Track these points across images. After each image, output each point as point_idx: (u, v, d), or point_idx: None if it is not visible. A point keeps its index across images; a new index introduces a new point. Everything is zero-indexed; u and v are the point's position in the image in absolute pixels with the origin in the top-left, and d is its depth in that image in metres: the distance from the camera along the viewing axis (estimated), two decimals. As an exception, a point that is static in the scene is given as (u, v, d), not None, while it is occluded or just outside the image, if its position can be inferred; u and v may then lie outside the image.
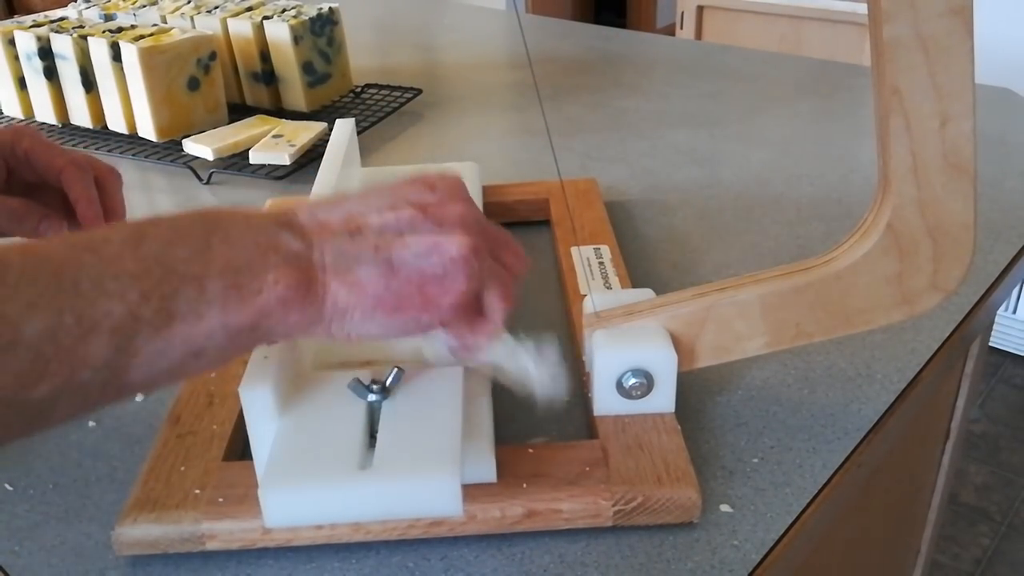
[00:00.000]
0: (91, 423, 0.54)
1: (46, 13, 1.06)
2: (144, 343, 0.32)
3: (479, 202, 0.71)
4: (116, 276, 0.31)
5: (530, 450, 0.47)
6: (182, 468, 0.47)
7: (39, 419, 0.31)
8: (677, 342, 0.50)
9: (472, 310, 0.41)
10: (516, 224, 0.75)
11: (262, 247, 0.35)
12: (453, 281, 0.38)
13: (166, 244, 0.33)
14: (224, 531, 0.44)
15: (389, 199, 0.39)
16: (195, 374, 0.36)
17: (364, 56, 1.24)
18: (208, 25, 1.01)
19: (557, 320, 0.63)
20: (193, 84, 0.94)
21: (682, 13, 2.33)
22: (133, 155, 0.93)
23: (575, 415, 0.53)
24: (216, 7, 1.04)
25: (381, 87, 1.09)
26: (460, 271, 0.38)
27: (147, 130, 0.93)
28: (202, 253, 0.34)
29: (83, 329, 0.30)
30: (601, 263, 0.64)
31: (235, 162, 0.89)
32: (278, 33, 0.98)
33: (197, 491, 0.45)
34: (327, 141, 0.69)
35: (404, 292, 0.37)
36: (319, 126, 0.92)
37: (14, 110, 1.03)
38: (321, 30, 1.01)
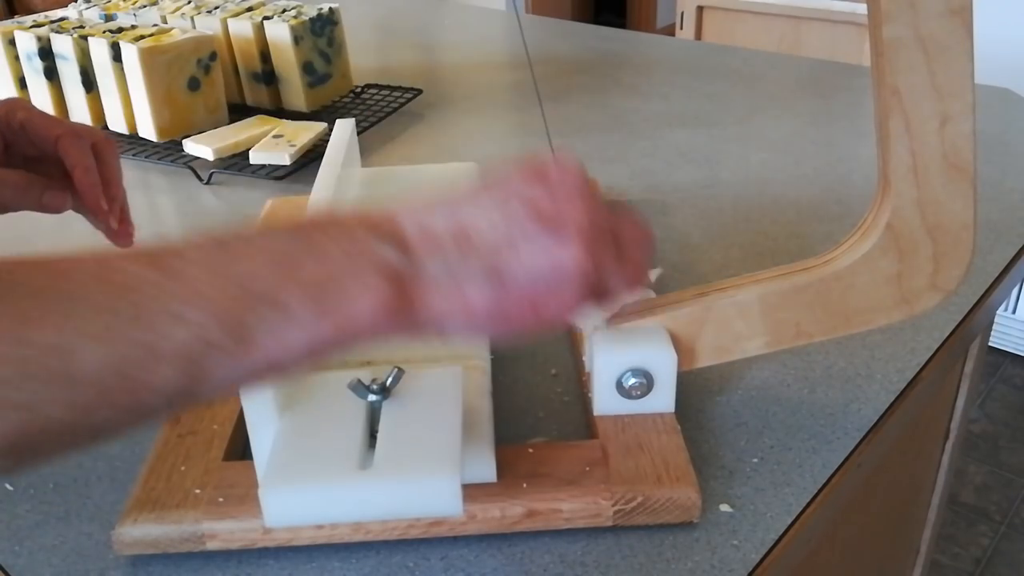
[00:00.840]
0: (91, 423, 0.54)
1: (46, 13, 1.06)
2: (216, 366, 0.30)
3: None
4: (186, 299, 0.29)
5: (530, 450, 0.47)
6: (182, 468, 0.47)
7: (100, 438, 0.30)
8: (677, 342, 0.50)
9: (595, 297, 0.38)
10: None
11: (355, 260, 0.33)
12: (566, 296, 0.35)
13: (246, 259, 0.31)
14: (224, 531, 0.44)
15: (500, 197, 0.36)
16: (274, 383, 0.34)
17: (364, 56, 1.24)
18: (208, 25, 1.01)
19: (557, 320, 0.62)
20: (193, 84, 0.94)
21: (682, 13, 2.33)
22: (133, 155, 0.93)
23: (575, 415, 0.53)
24: (216, 7, 1.04)
25: (381, 87, 1.09)
26: (574, 287, 0.35)
27: (147, 130, 0.93)
28: (286, 269, 0.31)
29: (149, 359, 0.28)
30: (601, 263, 0.64)
31: (235, 162, 0.89)
32: (278, 33, 0.98)
33: (197, 491, 0.45)
34: (327, 141, 0.69)
35: (513, 308, 0.35)
36: (319, 126, 0.92)
37: (14, 110, 1.03)
38: (321, 30, 1.01)
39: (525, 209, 0.35)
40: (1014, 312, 1.98)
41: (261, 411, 0.43)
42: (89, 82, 0.96)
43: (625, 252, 0.38)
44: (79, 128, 0.53)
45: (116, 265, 0.30)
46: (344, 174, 0.66)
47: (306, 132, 0.91)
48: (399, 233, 0.34)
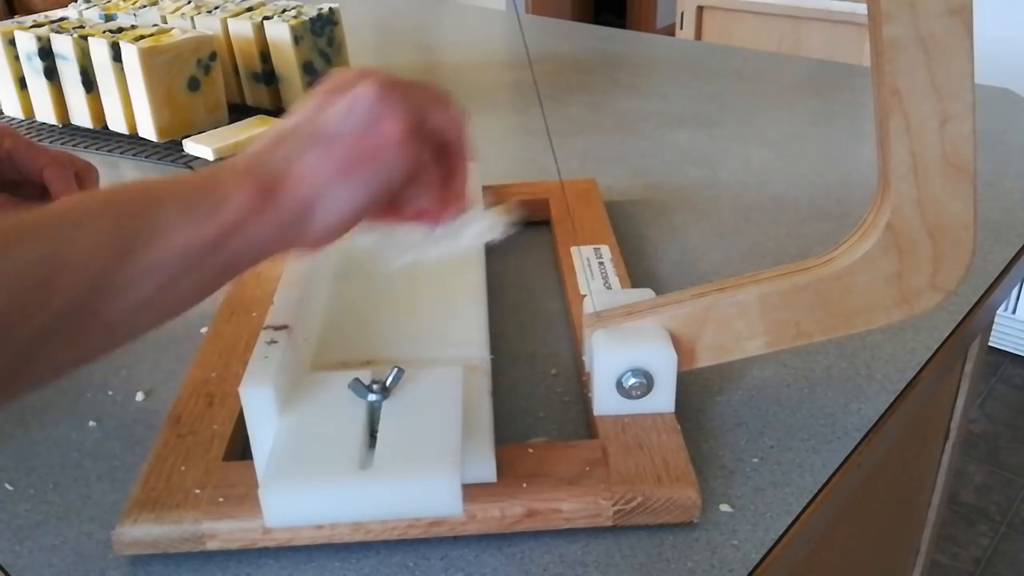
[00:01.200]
0: (91, 423, 0.54)
1: (46, 13, 1.06)
2: (107, 279, 0.33)
3: (479, 202, 0.71)
4: (75, 224, 0.33)
5: (530, 450, 0.47)
6: (182, 468, 0.47)
7: (32, 364, 0.32)
8: (677, 342, 0.50)
9: (432, 155, 0.41)
10: (516, 224, 0.75)
11: (208, 176, 0.37)
12: (385, 122, 0.39)
13: (111, 195, 0.35)
14: (224, 531, 0.44)
15: (308, 112, 0.40)
16: (174, 312, 0.36)
17: (364, 56, 1.24)
18: (208, 25, 1.01)
19: (557, 320, 0.63)
20: (193, 84, 0.94)
21: (682, 13, 2.33)
22: (133, 155, 0.93)
23: (575, 415, 0.53)
24: (216, 7, 1.04)
25: (381, 87, 1.09)
26: (385, 111, 0.39)
27: (147, 130, 0.93)
28: (150, 191, 0.35)
29: (53, 271, 0.32)
30: (601, 263, 0.65)
31: (235, 162, 0.89)
32: (278, 33, 0.98)
33: (197, 491, 0.45)
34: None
35: (350, 154, 0.38)
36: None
37: (14, 110, 1.03)
38: (321, 30, 1.01)
39: (328, 94, 0.40)
40: (1014, 312, 1.98)
41: (261, 411, 0.43)
42: (89, 82, 0.96)
43: (428, 114, 0.41)
44: (62, 157, 0.56)
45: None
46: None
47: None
48: (229, 162, 0.38)
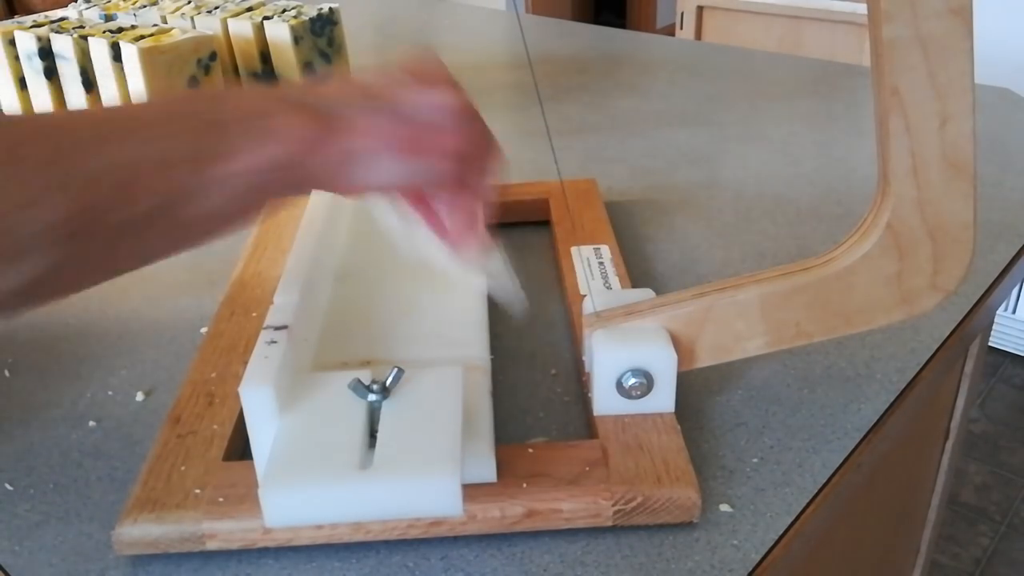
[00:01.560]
0: (91, 423, 0.54)
1: (46, 13, 1.06)
2: (184, 187, 0.36)
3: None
4: (159, 133, 0.36)
5: (530, 450, 0.47)
6: (182, 468, 0.47)
7: (117, 252, 0.37)
8: (677, 342, 0.50)
9: (464, 182, 0.44)
10: (516, 224, 0.75)
11: (270, 99, 0.39)
12: (449, 130, 0.42)
13: (188, 107, 0.39)
14: (224, 531, 0.44)
15: (369, 78, 0.43)
16: (242, 220, 0.40)
17: (364, 56, 1.24)
18: (208, 25, 1.01)
19: (557, 320, 0.63)
20: (193, 84, 0.94)
21: (682, 13, 2.33)
22: (133, 155, 0.92)
23: (575, 415, 0.53)
24: (216, 7, 1.04)
25: (381, 87, 1.09)
26: (453, 122, 0.42)
27: (147, 130, 0.93)
28: (216, 105, 0.38)
29: (135, 172, 0.35)
30: (601, 263, 0.65)
31: (235, 162, 0.89)
32: (278, 33, 0.98)
33: (197, 491, 0.45)
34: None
35: (408, 136, 0.41)
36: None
37: (14, 110, 1.03)
38: (321, 30, 1.01)
39: (402, 79, 0.43)
40: (1014, 312, 1.98)
41: (261, 411, 0.43)
42: (89, 82, 0.96)
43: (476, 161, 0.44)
44: None
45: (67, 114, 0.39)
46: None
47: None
48: (294, 91, 0.41)
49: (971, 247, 0.46)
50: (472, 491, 0.44)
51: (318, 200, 0.62)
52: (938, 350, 0.58)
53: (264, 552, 0.45)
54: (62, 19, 1.03)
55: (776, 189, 0.82)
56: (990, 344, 1.91)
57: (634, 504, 0.44)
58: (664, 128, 0.98)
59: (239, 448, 0.50)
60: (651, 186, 0.84)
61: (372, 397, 0.44)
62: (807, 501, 0.47)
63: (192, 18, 1.02)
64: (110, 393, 0.57)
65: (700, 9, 2.31)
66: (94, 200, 0.34)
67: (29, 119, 0.38)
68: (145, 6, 1.07)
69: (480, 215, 0.46)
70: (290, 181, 0.39)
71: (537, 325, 0.62)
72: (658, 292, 0.53)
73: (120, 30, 0.95)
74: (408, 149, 0.41)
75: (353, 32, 1.12)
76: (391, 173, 0.41)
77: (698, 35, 2.34)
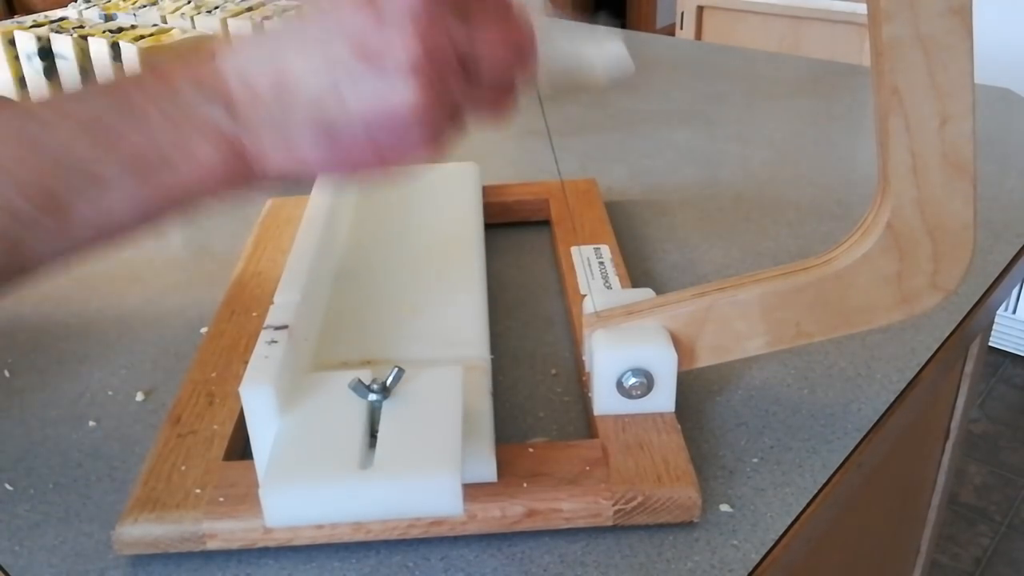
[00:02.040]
0: (91, 423, 0.54)
1: (46, 13, 1.06)
2: (33, 239, 0.31)
3: (479, 202, 0.71)
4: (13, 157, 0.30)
5: (530, 449, 0.47)
6: (183, 468, 0.47)
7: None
8: (677, 342, 0.50)
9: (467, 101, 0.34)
10: (516, 224, 0.75)
11: (180, 127, 0.32)
12: (408, 137, 0.32)
13: (57, 129, 0.31)
14: (225, 530, 0.44)
15: (323, 33, 0.32)
16: (119, 245, 0.34)
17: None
18: (208, 25, 1.01)
19: (557, 320, 0.63)
20: (193, 84, 0.94)
21: (682, 13, 2.33)
22: (133, 155, 0.92)
23: (575, 415, 0.53)
24: (216, 7, 1.04)
25: (381, 87, 1.09)
26: (415, 127, 0.32)
27: (147, 130, 0.93)
28: (103, 139, 0.31)
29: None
30: (601, 263, 0.65)
31: (235, 162, 0.89)
32: (278, 33, 0.98)
33: (198, 491, 0.45)
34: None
35: (352, 156, 0.33)
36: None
37: (14, 110, 1.03)
38: (321, 30, 1.01)
39: (349, 45, 0.31)
40: (1014, 312, 1.98)
41: (261, 411, 0.43)
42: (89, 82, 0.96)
43: (482, 72, 0.33)
44: None
45: None
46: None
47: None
48: (223, 89, 0.32)
49: (971, 247, 0.46)
50: (472, 491, 0.44)
51: (318, 200, 0.62)
52: (938, 350, 0.58)
53: (264, 552, 0.45)
54: (62, 19, 1.03)
55: (776, 189, 0.82)
56: (990, 344, 1.91)
57: (634, 504, 0.44)
58: (664, 128, 0.98)
59: (239, 448, 0.50)
60: (651, 186, 0.84)
61: (372, 397, 0.44)
62: (807, 501, 0.47)
63: (192, 18, 1.02)
64: (110, 393, 0.57)
65: (700, 9, 2.31)
66: None
67: None
68: (145, 6, 1.07)
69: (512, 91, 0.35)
70: (182, 210, 0.34)
71: (537, 325, 0.62)
72: (658, 292, 0.53)
73: (120, 30, 0.95)
74: (343, 168, 0.33)
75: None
76: (342, 176, 0.34)
77: (698, 35, 2.34)
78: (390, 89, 0.31)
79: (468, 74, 0.33)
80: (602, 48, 0.42)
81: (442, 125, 0.33)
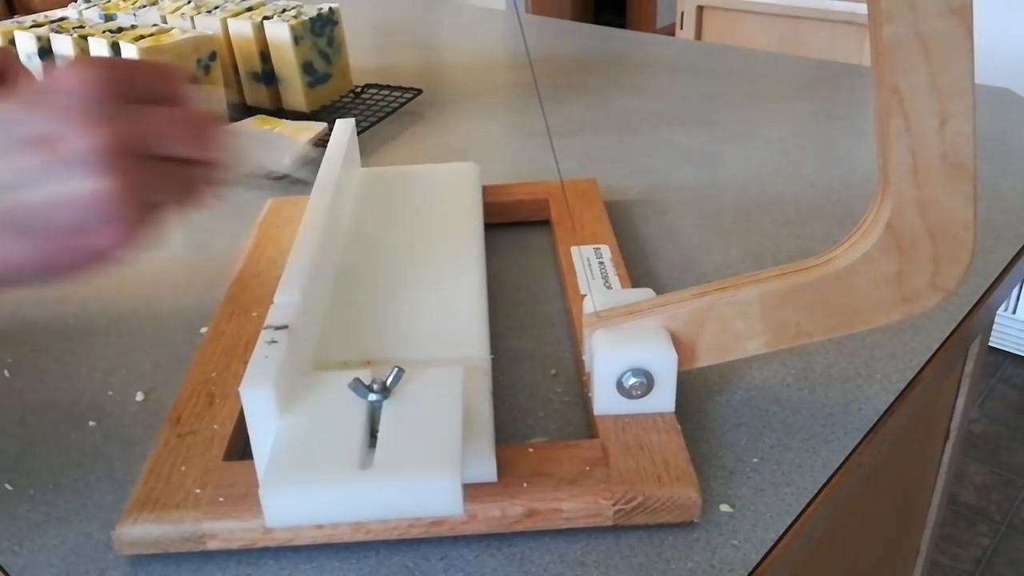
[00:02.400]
0: (91, 423, 0.54)
1: (46, 13, 1.06)
2: None
3: (479, 202, 0.71)
4: None
5: (530, 449, 0.47)
6: (183, 468, 0.47)
7: None
8: (677, 342, 0.50)
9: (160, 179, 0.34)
10: (516, 224, 0.75)
11: None
12: (108, 228, 0.33)
13: None
14: (225, 530, 0.44)
15: (3, 132, 0.32)
16: None
17: (364, 56, 1.24)
18: (208, 25, 1.01)
19: (557, 320, 0.63)
20: (194, 84, 0.94)
21: (682, 13, 2.33)
22: (133, 155, 0.92)
23: (575, 415, 0.53)
24: (216, 7, 1.04)
25: (381, 87, 1.09)
26: (111, 217, 0.32)
27: (147, 130, 0.93)
28: None
29: None
30: (601, 263, 0.65)
31: (235, 162, 0.89)
32: (278, 33, 0.98)
33: (198, 491, 0.45)
34: (327, 141, 0.69)
35: (49, 252, 0.33)
36: (319, 126, 0.92)
37: (14, 110, 1.03)
38: (321, 30, 1.01)
39: (27, 142, 0.32)
40: (1014, 312, 1.98)
41: (261, 411, 0.43)
42: (89, 82, 0.95)
43: (166, 152, 0.34)
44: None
45: None
46: (344, 174, 0.66)
47: (306, 132, 0.91)
48: None
49: (971, 247, 0.46)
50: (472, 491, 0.44)
51: (318, 200, 0.62)
52: (938, 350, 0.58)
53: (264, 552, 0.45)
54: (62, 19, 1.02)
55: (776, 189, 0.82)
56: (990, 344, 1.91)
57: (634, 504, 0.44)
58: (664, 128, 0.98)
59: (239, 448, 0.50)
60: (651, 186, 0.84)
61: (372, 397, 0.44)
62: (807, 501, 0.47)
63: (192, 18, 1.02)
64: (110, 393, 0.57)
65: (700, 9, 2.31)
66: None
67: None
68: (145, 6, 1.07)
69: (211, 145, 0.36)
70: None
71: (537, 325, 0.62)
72: (658, 292, 0.53)
73: (120, 30, 0.95)
74: (48, 268, 0.32)
75: (353, 32, 1.12)
76: (29, 283, 0.33)
77: (698, 35, 2.34)
78: (74, 178, 0.31)
79: (151, 157, 0.34)
80: (288, 145, 0.45)
81: (135, 209, 0.33)
